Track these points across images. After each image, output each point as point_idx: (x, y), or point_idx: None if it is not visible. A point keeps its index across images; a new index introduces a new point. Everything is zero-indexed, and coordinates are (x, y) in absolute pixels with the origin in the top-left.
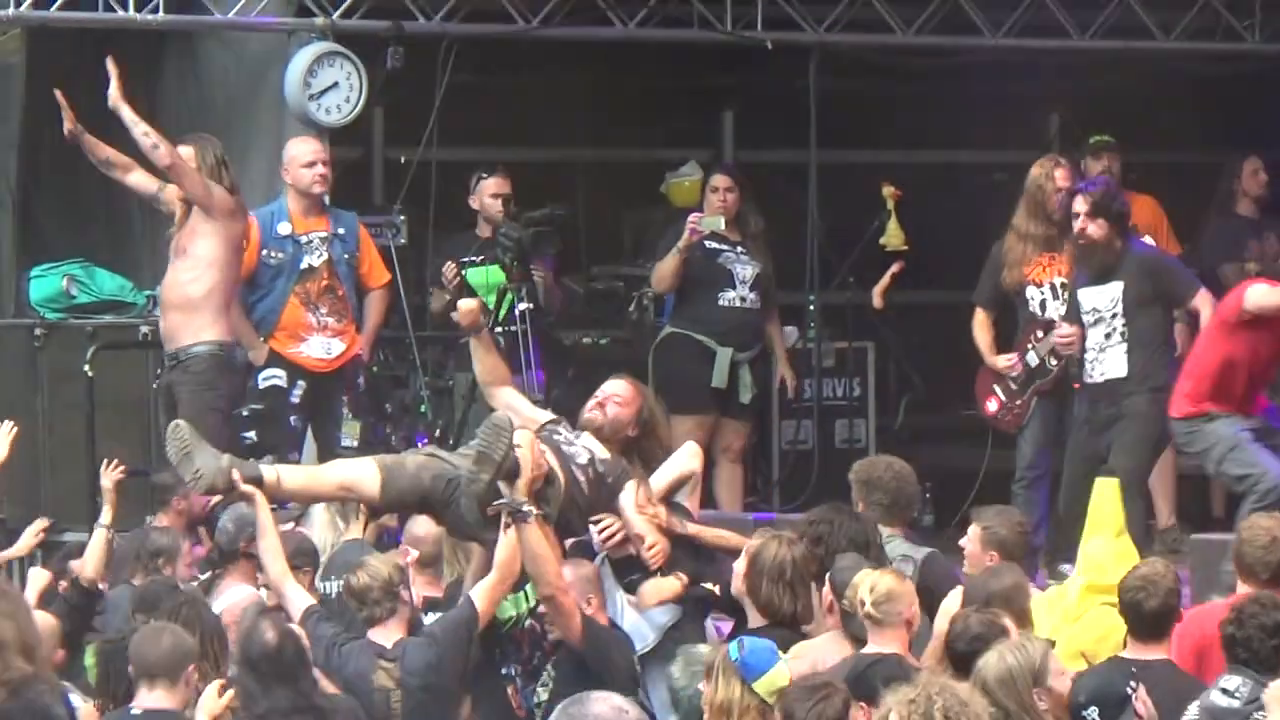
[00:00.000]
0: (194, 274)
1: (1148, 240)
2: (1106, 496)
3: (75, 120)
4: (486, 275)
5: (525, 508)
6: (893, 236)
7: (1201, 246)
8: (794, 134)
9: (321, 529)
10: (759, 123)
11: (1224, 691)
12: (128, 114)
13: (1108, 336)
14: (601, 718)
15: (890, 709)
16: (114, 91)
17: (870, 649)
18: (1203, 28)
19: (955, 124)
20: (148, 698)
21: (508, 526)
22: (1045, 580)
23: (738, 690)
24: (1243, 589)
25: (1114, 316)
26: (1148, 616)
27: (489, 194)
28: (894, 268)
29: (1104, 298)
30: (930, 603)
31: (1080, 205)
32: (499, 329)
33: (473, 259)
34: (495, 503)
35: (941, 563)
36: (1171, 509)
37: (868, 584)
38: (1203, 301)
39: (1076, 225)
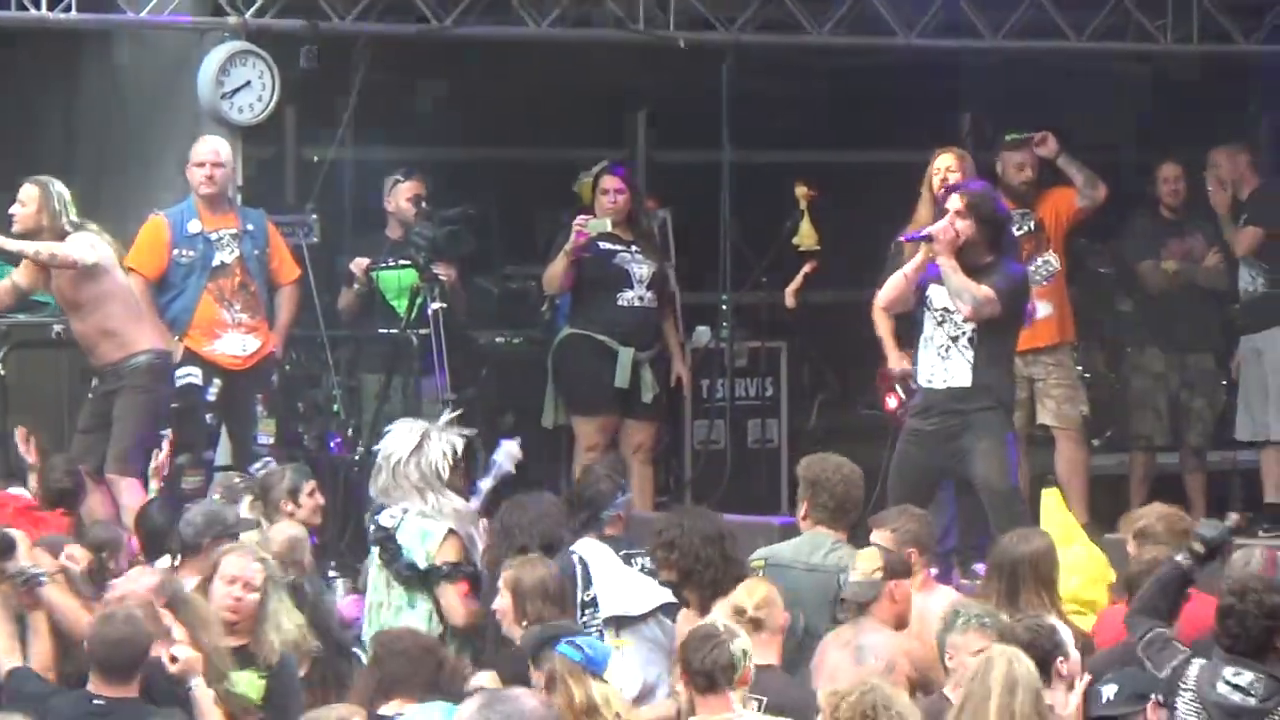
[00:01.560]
0: (97, 314)
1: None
2: (1056, 506)
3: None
4: (399, 279)
5: (33, 571)
6: (805, 236)
7: (1123, 244)
8: (707, 134)
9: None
10: (672, 122)
11: (1235, 687)
12: (10, 244)
13: (954, 340)
14: (534, 713)
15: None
16: None
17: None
18: (1114, 28)
19: (868, 123)
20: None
21: (24, 593)
22: (959, 580)
23: (594, 686)
24: None
25: (965, 320)
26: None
27: (405, 197)
28: (806, 267)
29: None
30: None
31: (954, 203)
32: (410, 331)
33: (385, 261)
34: (7, 577)
35: None
36: (1084, 508)
37: (744, 590)
38: None
39: (945, 220)
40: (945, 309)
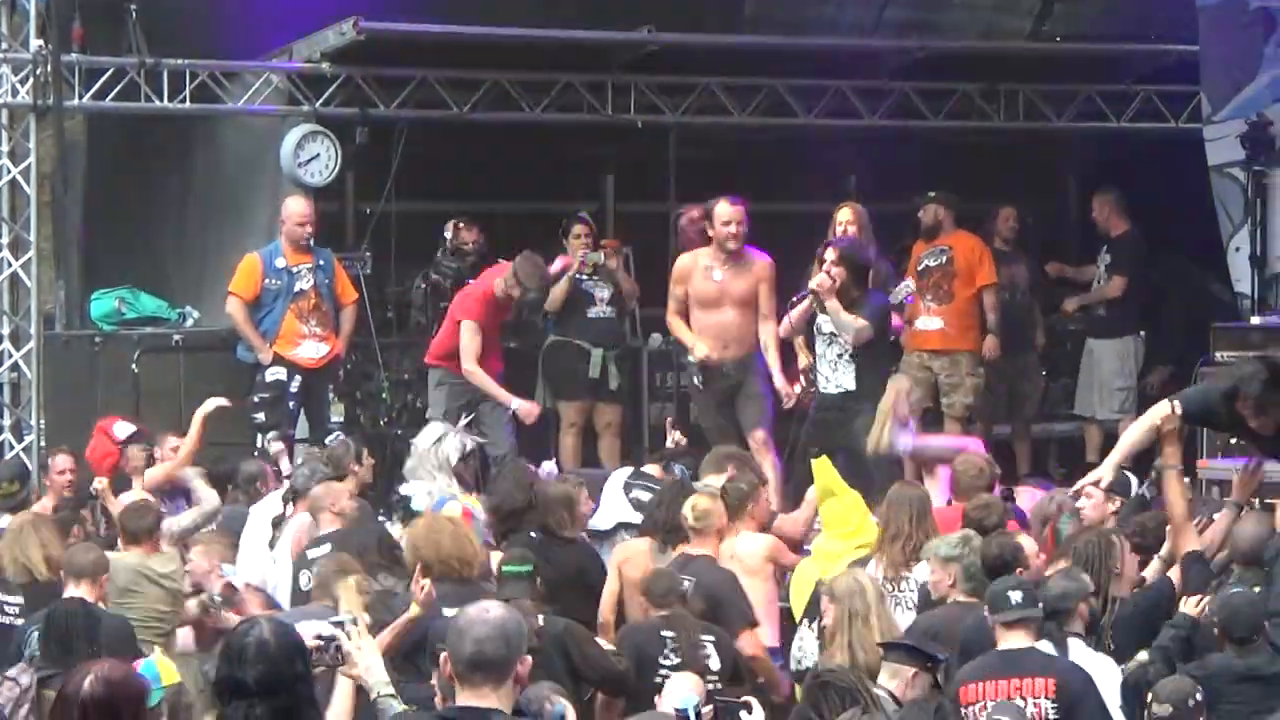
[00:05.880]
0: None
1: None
2: (825, 471)
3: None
4: None
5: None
6: None
7: None
8: (658, 190)
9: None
10: (633, 182)
11: None
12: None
13: (839, 356)
14: (499, 618)
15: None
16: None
17: (689, 549)
18: (960, 110)
19: (779, 182)
20: None
21: None
22: None
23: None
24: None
25: (850, 346)
26: (988, 531)
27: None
28: None
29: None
30: None
31: (830, 255)
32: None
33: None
34: None
35: None
36: None
37: (690, 504)
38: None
39: (824, 268)
40: (831, 333)
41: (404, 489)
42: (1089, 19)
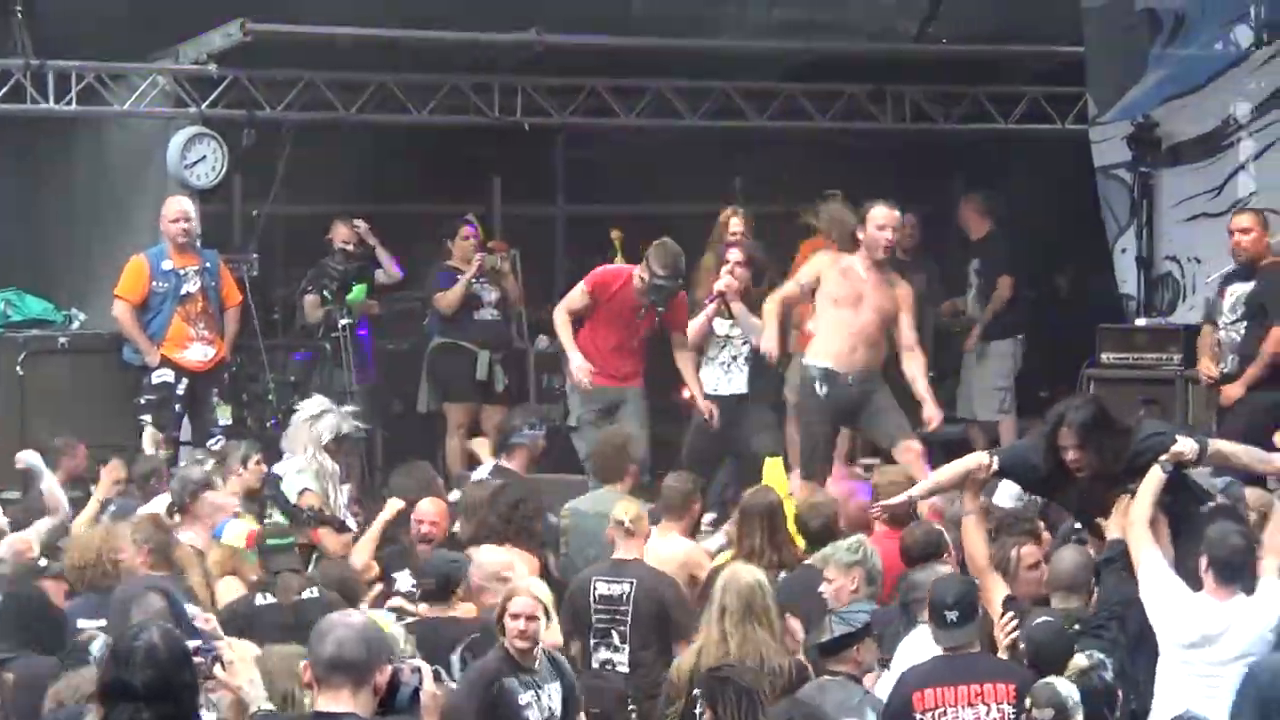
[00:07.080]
0: None
1: None
2: (776, 474)
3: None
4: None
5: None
6: None
7: None
8: (545, 193)
9: None
10: (520, 185)
11: None
12: None
13: (734, 358)
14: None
15: None
16: None
17: (620, 554)
18: (847, 111)
19: (664, 183)
20: None
21: None
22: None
23: None
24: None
25: (743, 343)
26: (814, 532)
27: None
28: None
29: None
30: None
31: (735, 255)
32: (323, 340)
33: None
34: None
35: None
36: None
37: (622, 509)
38: None
39: (726, 269)
40: (726, 335)
41: (276, 467)
42: (975, 21)
